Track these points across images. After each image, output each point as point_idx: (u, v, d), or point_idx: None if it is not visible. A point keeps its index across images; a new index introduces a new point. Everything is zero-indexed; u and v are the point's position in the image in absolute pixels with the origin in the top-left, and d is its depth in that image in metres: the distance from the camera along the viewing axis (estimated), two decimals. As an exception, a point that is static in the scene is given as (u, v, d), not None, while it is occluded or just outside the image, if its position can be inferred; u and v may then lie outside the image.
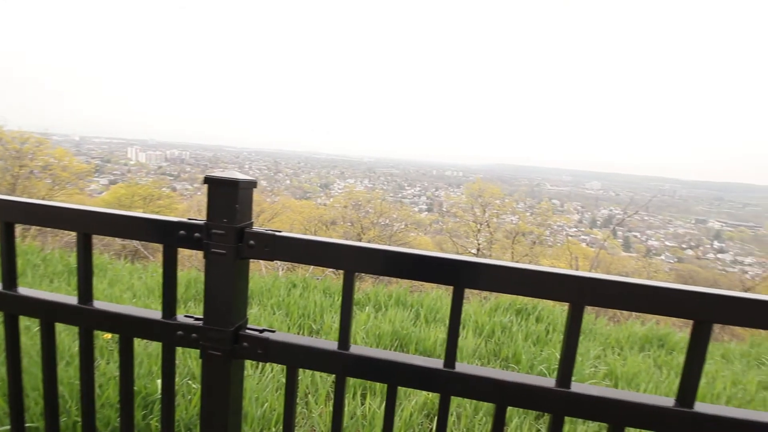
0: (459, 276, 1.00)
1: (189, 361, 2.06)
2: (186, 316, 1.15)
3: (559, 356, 2.60)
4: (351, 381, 1.98)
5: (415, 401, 1.94)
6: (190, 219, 1.11)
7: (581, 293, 0.97)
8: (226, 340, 1.07)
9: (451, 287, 1.04)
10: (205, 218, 1.07)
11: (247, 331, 1.11)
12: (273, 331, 1.12)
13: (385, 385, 1.06)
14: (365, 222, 11.57)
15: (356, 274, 1.06)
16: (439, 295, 3.76)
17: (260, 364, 2.15)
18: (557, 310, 3.51)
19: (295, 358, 1.08)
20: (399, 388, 1.07)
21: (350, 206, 12.24)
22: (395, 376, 1.03)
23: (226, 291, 1.06)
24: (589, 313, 4.27)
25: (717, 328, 7.03)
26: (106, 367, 1.92)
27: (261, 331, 1.11)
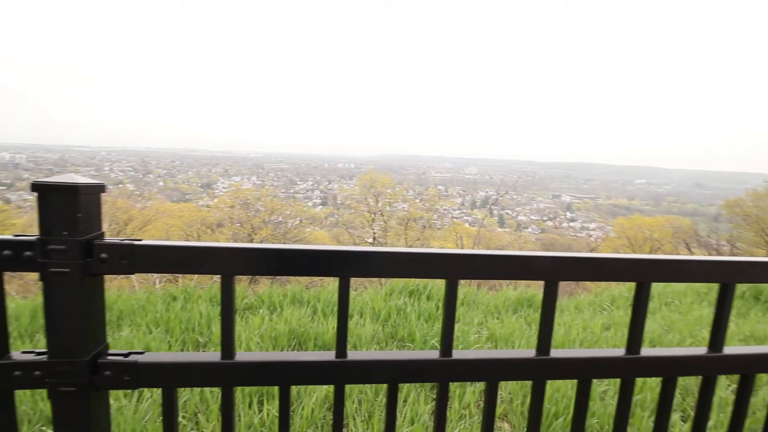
0: (343, 267, 1.01)
1: (41, 403, 1.73)
2: (24, 352, 0.95)
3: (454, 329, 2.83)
4: (246, 389, 1.88)
5: (315, 396, 1.93)
6: (17, 235, 0.92)
7: (454, 269, 1.07)
8: (81, 372, 0.92)
9: (338, 278, 1.05)
10: (38, 233, 0.90)
11: (109, 357, 0.97)
12: (142, 353, 1.00)
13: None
14: (256, 221, 11.00)
15: (237, 277, 1.00)
16: (336, 288, 3.78)
17: (139, 390, 1.91)
18: (434, 289, 3.82)
19: (171, 377, 0.97)
20: (295, 386, 1.05)
21: (238, 206, 11.48)
22: (286, 376, 1.01)
23: (76, 315, 0.91)
24: (472, 285, 4.73)
25: (572, 284, 8.36)
26: None
27: (126, 355, 0.98)
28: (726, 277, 1.16)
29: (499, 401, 2.10)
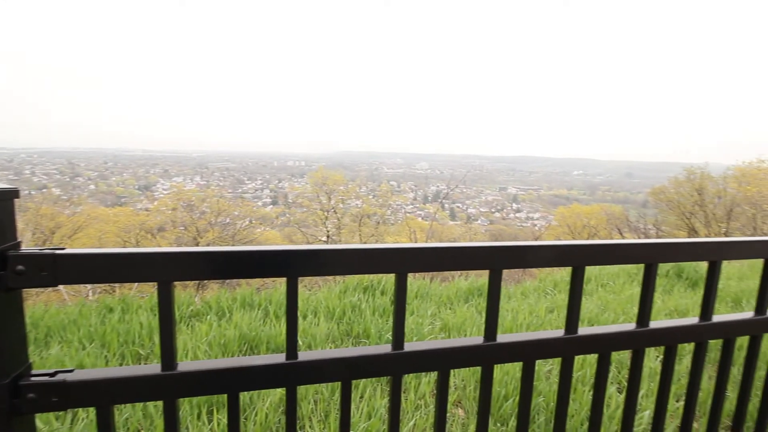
0: (290, 266, 0.98)
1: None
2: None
3: (405, 322, 2.87)
4: (195, 400, 1.80)
5: (269, 401, 1.88)
6: None
7: (402, 264, 1.08)
8: (0, 397, 0.83)
9: (285, 279, 1.02)
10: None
11: (33, 378, 0.88)
12: (71, 371, 0.92)
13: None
14: (201, 224, 10.46)
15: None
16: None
17: (73, 410, 1.76)
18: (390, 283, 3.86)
19: (105, 395, 0.90)
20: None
21: (181, 208, 10.85)
22: (233, 383, 0.97)
23: (-11, 336, 0.82)
24: (425, 278, 4.83)
25: (519, 272, 8.78)
26: None
27: (53, 374, 0.90)
28: (649, 258, 1.27)
29: (453, 389, 2.17)
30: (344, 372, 1.06)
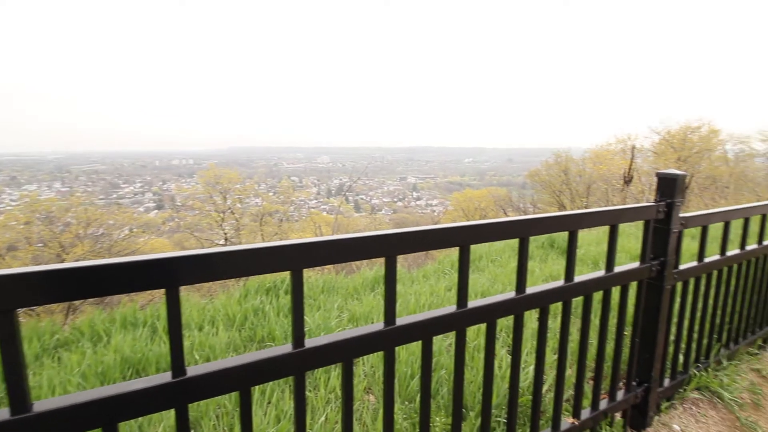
0: (171, 275, 0.89)
1: None
2: None
3: (308, 319, 2.81)
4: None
5: (162, 427, 1.70)
6: None
7: (296, 260, 1.04)
8: None
9: (168, 289, 0.92)
10: None
11: None
12: None
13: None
14: (66, 238, 8.91)
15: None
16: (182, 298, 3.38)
17: None
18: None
19: None
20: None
21: (37, 221, 9.08)
22: (109, 413, 0.84)
23: None
24: (331, 272, 4.82)
25: (421, 255, 9.23)
26: None
27: None
28: (521, 232, 1.42)
29: (362, 376, 2.20)
30: (242, 380, 1.00)
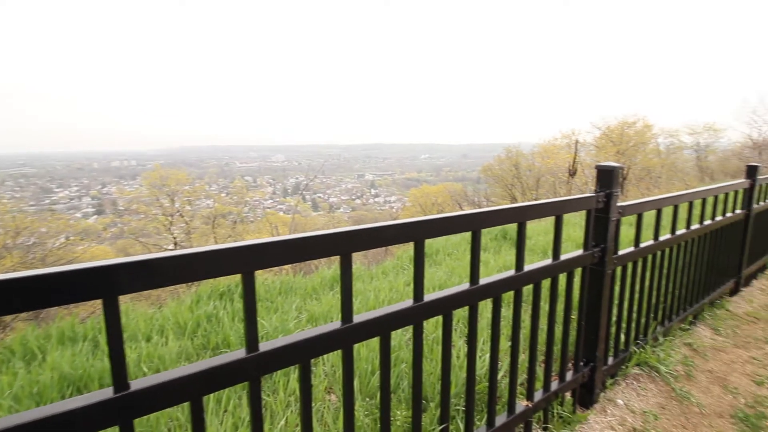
0: (107, 284, 0.82)
1: None
2: None
3: (264, 322, 2.73)
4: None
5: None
6: None
7: (246, 262, 1.00)
8: None
9: (107, 299, 0.85)
10: None
11: None
12: None
13: None
14: (-11, 249, 8.09)
15: None
16: (125, 309, 3.18)
17: None
18: (258, 280, 3.68)
19: None
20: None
21: (-47, 232, 8.17)
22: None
23: None
24: (288, 272, 4.73)
25: (381, 252, 9.26)
26: None
27: None
28: (474, 225, 1.45)
29: (323, 376, 2.17)
30: (192, 390, 0.95)
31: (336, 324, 1.19)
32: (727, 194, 3.13)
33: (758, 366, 2.55)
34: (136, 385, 0.88)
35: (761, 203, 3.69)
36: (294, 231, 13.40)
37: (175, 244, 11.54)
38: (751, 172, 3.45)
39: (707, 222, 2.89)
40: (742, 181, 3.33)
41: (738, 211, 3.32)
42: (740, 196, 3.37)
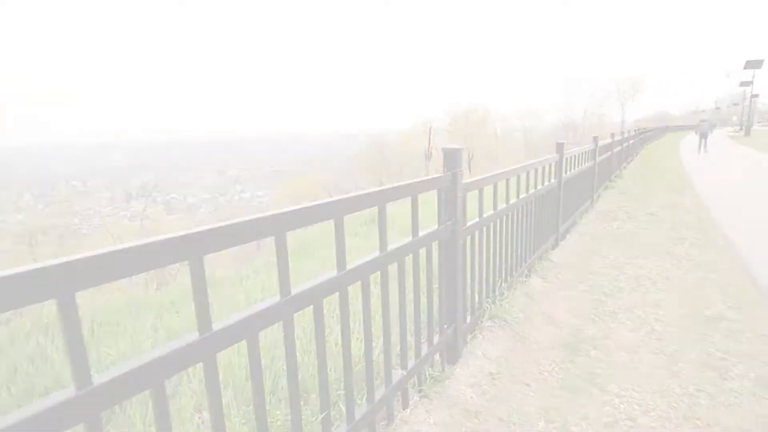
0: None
1: None
2: None
3: (109, 350, 2.33)
4: None
5: None
6: None
7: (62, 283, 0.82)
8: None
9: None
10: None
11: None
12: None
13: None
14: None
15: None
16: None
17: None
18: (99, 301, 3.11)
19: None
20: None
21: None
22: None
23: None
24: (139, 286, 4.13)
25: (253, 249, 8.73)
26: None
27: None
28: (335, 213, 1.46)
29: (191, 395, 1.96)
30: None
31: (192, 336, 1.06)
32: (544, 167, 3.80)
33: (574, 303, 3.20)
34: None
35: (568, 173, 4.58)
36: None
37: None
38: (559, 148, 4.25)
39: (531, 191, 3.46)
40: (553, 156, 4.08)
41: (552, 180, 4.06)
42: (554, 169, 4.14)
